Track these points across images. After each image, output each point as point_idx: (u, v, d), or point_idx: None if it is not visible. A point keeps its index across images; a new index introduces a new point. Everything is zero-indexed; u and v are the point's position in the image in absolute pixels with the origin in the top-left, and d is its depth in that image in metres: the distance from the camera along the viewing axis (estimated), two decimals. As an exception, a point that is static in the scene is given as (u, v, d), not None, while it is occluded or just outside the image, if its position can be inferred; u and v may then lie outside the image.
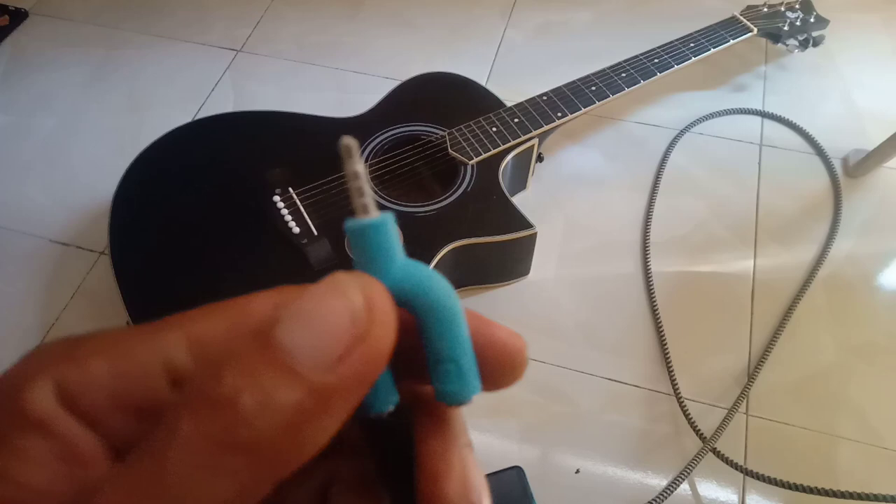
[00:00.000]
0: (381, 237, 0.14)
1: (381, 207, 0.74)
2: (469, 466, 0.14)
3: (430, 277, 0.14)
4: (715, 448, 0.68)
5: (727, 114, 0.99)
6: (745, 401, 0.74)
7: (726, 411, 0.72)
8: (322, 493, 0.15)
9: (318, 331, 0.11)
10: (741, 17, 0.96)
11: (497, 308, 0.81)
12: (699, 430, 0.70)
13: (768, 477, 0.66)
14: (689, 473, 0.68)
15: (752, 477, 0.67)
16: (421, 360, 0.14)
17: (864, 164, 0.90)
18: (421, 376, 0.14)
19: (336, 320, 0.11)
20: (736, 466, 0.68)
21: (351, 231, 0.14)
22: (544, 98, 0.83)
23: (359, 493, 0.15)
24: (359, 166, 0.14)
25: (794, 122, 0.97)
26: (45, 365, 0.13)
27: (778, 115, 0.98)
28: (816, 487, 0.65)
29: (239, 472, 0.10)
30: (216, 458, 0.10)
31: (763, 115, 0.99)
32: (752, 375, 0.74)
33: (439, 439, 0.14)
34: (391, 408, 0.14)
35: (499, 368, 0.14)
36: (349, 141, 0.14)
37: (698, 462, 0.68)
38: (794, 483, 0.65)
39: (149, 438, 0.11)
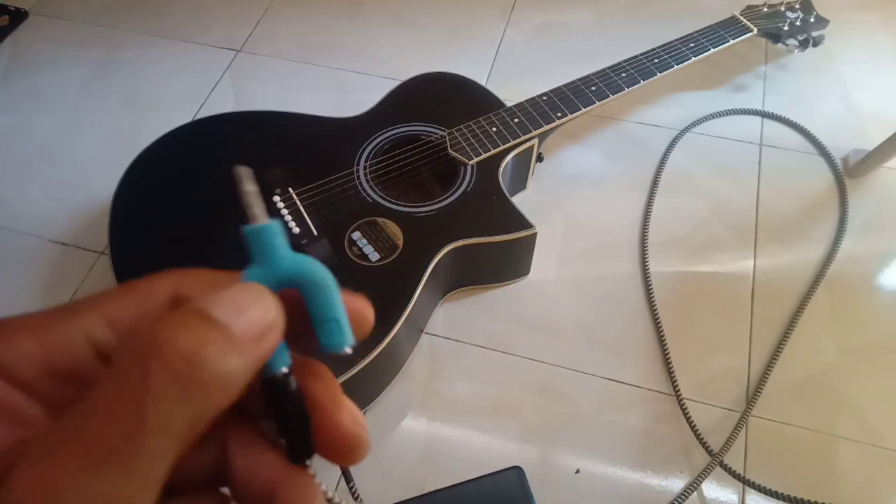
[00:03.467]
0: (271, 237, 0.18)
1: (382, 207, 0.74)
2: (351, 403, 0.19)
3: (312, 263, 0.19)
4: (723, 462, 0.68)
5: (727, 114, 0.99)
6: (750, 406, 0.74)
7: (734, 423, 0.72)
8: (221, 455, 0.18)
9: (249, 318, 0.16)
10: (741, 17, 0.96)
11: (497, 308, 0.81)
12: (703, 438, 0.70)
13: (769, 489, 0.66)
14: (697, 486, 0.68)
15: (754, 489, 0.67)
16: (299, 339, 0.19)
17: (864, 164, 0.90)
18: (302, 349, 0.19)
19: (261, 314, 0.16)
20: (738, 477, 0.68)
21: (249, 233, 0.18)
22: (544, 98, 0.83)
23: (255, 447, 0.18)
24: (250, 186, 0.18)
25: (796, 122, 0.97)
26: None
27: (780, 115, 0.98)
28: (816, 502, 0.65)
29: (197, 404, 0.14)
30: (185, 391, 0.14)
31: (764, 115, 0.99)
32: (760, 382, 0.74)
33: (325, 387, 0.19)
34: (285, 368, 0.18)
35: (355, 327, 0.19)
36: (242, 169, 0.19)
37: (706, 476, 0.68)
38: (795, 497, 0.65)
39: (114, 382, 0.13)
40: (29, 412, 0.15)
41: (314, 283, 0.19)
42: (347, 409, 0.19)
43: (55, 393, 0.16)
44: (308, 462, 0.18)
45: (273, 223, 0.18)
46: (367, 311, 0.20)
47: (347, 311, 0.19)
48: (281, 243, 0.18)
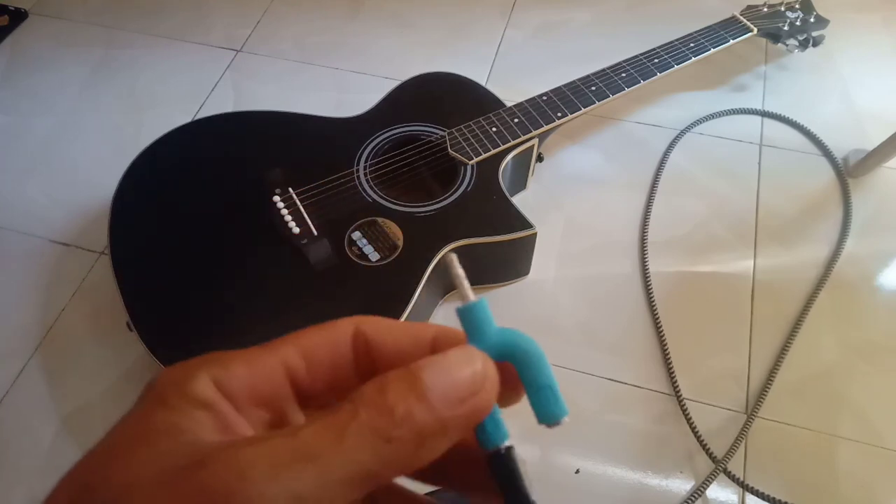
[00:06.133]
0: (481, 313, 0.19)
1: (382, 207, 0.74)
2: None
3: (519, 334, 0.19)
4: (727, 469, 0.68)
5: (727, 114, 0.99)
6: (754, 410, 0.74)
7: (735, 425, 0.72)
8: None
9: (450, 382, 0.17)
10: (741, 17, 0.96)
11: (497, 308, 0.81)
12: (702, 438, 0.70)
13: (769, 496, 0.66)
14: (701, 494, 0.68)
15: (754, 494, 0.67)
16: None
17: (863, 164, 0.90)
18: None
19: (463, 379, 0.17)
20: (739, 482, 0.68)
21: (461, 312, 0.19)
22: (544, 98, 0.83)
23: None
24: (459, 270, 0.20)
25: (798, 122, 0.97)
26: (200, 366, 0.18)
27: (782, 115, 0.98)
28: None
29: (382, 454, 0.16)
30: (374, 441, 0.16)
31: (764, 114, 0.99)
32: (765, 386, 0.74)
33: None
34: (507, 443, 0.19)
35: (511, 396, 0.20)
36: (451, 256, 0.20)
37: (711, 482, 0.68)
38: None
39: (332, 415, 0.16)
40: (236, 425, 0.18)
41: (525, 352, 0.19)
42: None
43: (255, 414, 0.19)
44: None
45: (482, 300, 0.19)
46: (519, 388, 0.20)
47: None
48: (489, 319, 0.19)
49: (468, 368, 0.17)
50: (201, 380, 0.18)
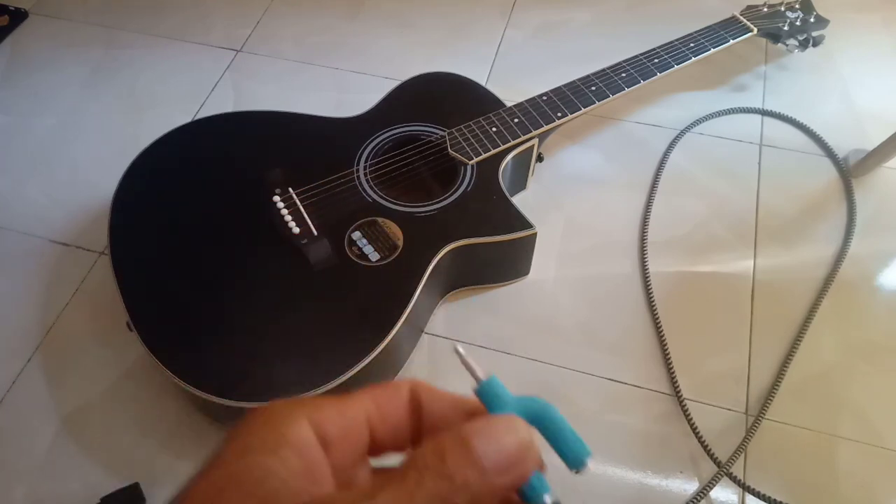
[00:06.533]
0: (496, 388, 0.22)
1: (382, 207, 0.74)
2: None
3: (536, 400, 0.22)
4: (731, 472, 0.68)
5: (727, 113, 0.99)
6: (754, 412, 0.74)
7: (737, 425, 0.72)
8: None
9: (500, 450, 0.18)
10: (741, 17, 0.96)
11: (497, 308, 0.81)
12: (702, 436, 0.70)
13: (769, 497, 0.66)
14: (704, 496, 0.67)
15: (754, 495, 0.67)
16: None
17: (863, 164, 0.90)
18: None
19: (511, 447, 0.19)
20: (739, 483, 0.68)
21: (478, 393, 0.22)
22: (544, 98, 0.83)
23: None
24: (468, 359, 0.23)
25: (802, 122, 0.97)
26: (296, 406, 0.20)
27: (783, 113, 0.98)
28: None
29: None
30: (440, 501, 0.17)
31: (766, 113, 0.98)
32: (772, 389, 0.73)
33: None
34: (548, 498, 0.20)
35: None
36: (457, 347, 0.23)
37: (714, 485, 0.68)
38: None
39: (401, 480, 0.17)
40: (324, 473, 0.19)
41: (543, 412, 0.21)
42: None
43: (344, 459, 0.20)
44: None
45: (493, 377, 0.22)
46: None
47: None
48: (504, 391, 0.22)
49: (514, 437, 0.19)
50: (299, 422, 0.19)
